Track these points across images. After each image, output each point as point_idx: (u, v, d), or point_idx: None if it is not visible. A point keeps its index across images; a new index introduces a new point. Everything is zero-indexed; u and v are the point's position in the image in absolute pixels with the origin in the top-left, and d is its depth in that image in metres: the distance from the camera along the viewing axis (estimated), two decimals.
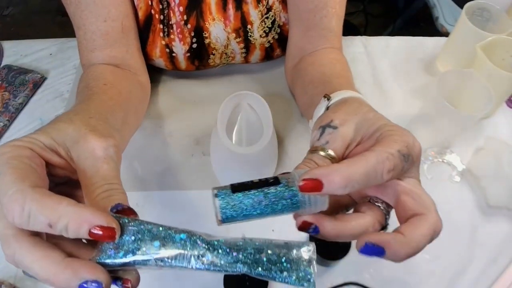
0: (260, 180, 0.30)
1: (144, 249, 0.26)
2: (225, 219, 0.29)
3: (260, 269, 0.27)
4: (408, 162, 0.32)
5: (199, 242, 0.27)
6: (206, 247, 0.27)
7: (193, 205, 0.59)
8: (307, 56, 0.60)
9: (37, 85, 0.71)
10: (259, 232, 0.56)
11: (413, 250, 0.30)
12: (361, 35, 0.80)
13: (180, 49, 0.62)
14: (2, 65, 0.73)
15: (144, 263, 0.27)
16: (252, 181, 0.30)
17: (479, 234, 0.57)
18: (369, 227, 0.32)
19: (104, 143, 0.32)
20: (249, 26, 0.61)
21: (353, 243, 0.51)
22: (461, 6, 0.67)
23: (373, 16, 1.72)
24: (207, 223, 0.57)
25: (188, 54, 0.63)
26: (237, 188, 0.29)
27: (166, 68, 0.66)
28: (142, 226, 0.27)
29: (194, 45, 0.62)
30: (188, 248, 0.27)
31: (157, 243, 0.27)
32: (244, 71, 0.73)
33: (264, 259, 0.27)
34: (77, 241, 0.29)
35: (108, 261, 0.27)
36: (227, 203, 0.29)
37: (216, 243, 0.27)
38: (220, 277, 0.50)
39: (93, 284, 0.25)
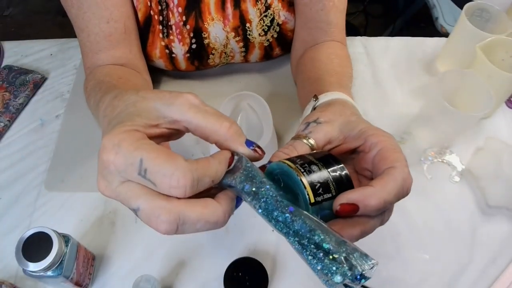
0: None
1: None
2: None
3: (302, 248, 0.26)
4: None
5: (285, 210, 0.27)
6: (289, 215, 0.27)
7: None
8: (308, 50, 0.60)
9: (37, 85, 0.71)
10: (260, 232, 0.56)
11: (381, 202, 0.30)
12: (361, 35, 0.80)
13: (179, 49, 0.62)
14: (2, 66, 0.73)
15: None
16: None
17: (479, 234, 0.57)
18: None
19: (191, 94, 0.32)
20: (247, 25, 0.62)
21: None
22: (461, 7, 0.67)
23: (373, 16, 1.72)
24: None
25: (188, 54, 0.63)
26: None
27: (166, 68, 0.66)
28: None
29: (194, 46, 0.62)
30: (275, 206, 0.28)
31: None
32: (244, 71, 0.73)
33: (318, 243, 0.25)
34: None
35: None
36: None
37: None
38: (220, 277, 0.50)
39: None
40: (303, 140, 0.36)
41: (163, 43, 0.61)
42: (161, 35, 0.61)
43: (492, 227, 0.58)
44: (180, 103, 0.31)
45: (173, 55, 0.63)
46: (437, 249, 0.56)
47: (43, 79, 0.72)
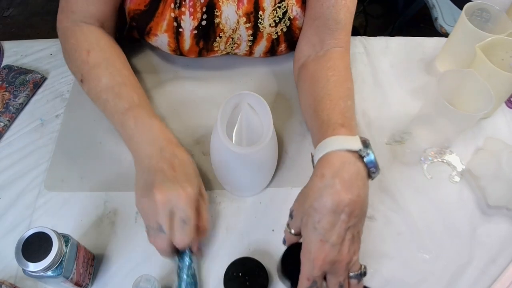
0: None
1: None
2: None
3: None
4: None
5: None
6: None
7: None
8: (310, 61, 0.61)
9: (37, 85, 0.71)
10: (260, 232, 0.56)
11: None
12: (361, 36, 0.80)
13: (188, 24, 0.61)
14: (2, 65, 0.73)
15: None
16: None
17: (479, 234, 0.57)
18: None
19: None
20: (260, 12, 0.62)
21: None
22: (460, 7, 0.67)
23: (373, 17, 1.73)
24: None
25: (195, 31, 0.62)
26: None
27: (169, 48, 0.65)
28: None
29: (203, 22, 0.61)
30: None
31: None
32: (245, 70, 0.73)
33: None
34: None
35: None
36: None
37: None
38: (220, 277, 0.50)
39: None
40: (287, 228, 0.49)
41: (173, 15, 0.60)
42: (172, 5, 0.60)
43: (492, 227, 0.58)
44: (207, 199, 0.52)
45: (180, 30, 0.62)
46: (437, 249, 0.56)
47: (43, 79, 0.72)
